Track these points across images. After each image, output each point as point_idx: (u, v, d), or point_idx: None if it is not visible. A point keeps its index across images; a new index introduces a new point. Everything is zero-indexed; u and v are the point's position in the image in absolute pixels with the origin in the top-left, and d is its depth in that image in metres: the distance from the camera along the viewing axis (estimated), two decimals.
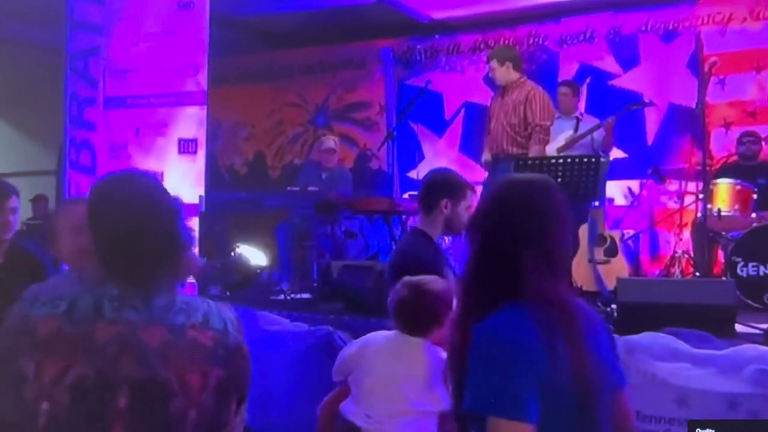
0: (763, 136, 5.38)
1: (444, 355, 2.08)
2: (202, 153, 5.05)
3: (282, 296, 4.57)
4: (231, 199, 5.73)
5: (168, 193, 1.49)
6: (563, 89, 5.60)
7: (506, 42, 6.77)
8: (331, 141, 5.99)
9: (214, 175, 6.81)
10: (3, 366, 1.32)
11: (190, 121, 5.09)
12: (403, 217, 5.38)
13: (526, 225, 1.45)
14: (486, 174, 5.28)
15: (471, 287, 1.49)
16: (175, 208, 1.47)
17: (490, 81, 6.42)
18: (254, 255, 5.30)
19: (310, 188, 5.56)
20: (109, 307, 1.35)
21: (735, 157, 5.35)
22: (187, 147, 5.06)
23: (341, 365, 2.30)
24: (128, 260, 1.39)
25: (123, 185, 1.45)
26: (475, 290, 1.48)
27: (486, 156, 5.10)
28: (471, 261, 1.51)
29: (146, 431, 1.33)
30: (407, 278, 2.28)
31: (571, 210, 1.53)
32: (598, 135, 5.23)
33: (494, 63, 4.97)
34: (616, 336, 2.85)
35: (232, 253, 5.22)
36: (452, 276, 2.80)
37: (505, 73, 4.93)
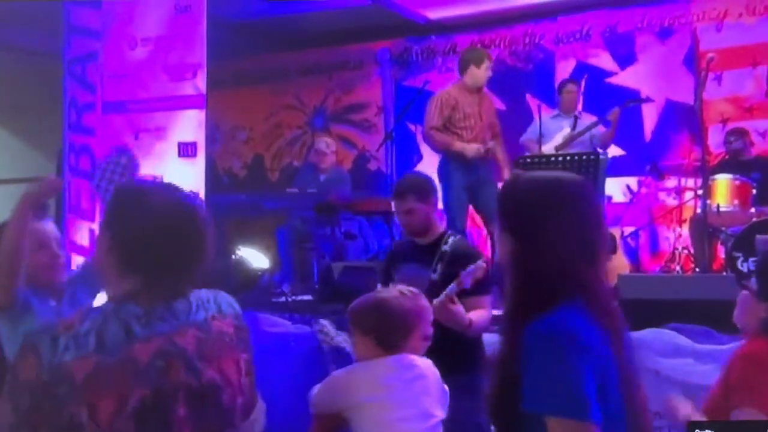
0: (749, 131, 5.40)
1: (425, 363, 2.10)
2: (201, 156, 5.05)
3: (283, 298, 4.58)
4: (231, 202, 5.73)
5: (199, 205, 1.47)
6: (570, 87, 5.59)
7: (502, 42, 6.78)
8: (322, 143, 6.00)
9: (213, 179, 6.80)
10: (51, 420, 1.24)
11: (189, 125, 5.09)
12: None
13: (565, 223, 1.41)
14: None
15: (516, 291, 1.44)
16: (206, 221, 1.44)
17: (489, 82, 6.46)
18: (255, 257, 5.30)
19: (309, 190, 5.57)
20: (137, 325, 1.32)
21: (726, 156, 5.37)
22: (186, 150, 5.07)
23: (324, 401, 2.13)
24: (160, 268, 1.36)
25: (156, 194, 1.43)
26: (521, 294, 1.42)
27: (477, 149, 4.88)
28: (512, 265, 1.45)
29: (209, 430, 1.34)
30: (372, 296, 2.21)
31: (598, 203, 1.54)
32: (598, 130, 5.24)
33: (491, 63, 5.02)
34: None
35: (233, 256, 5.22)
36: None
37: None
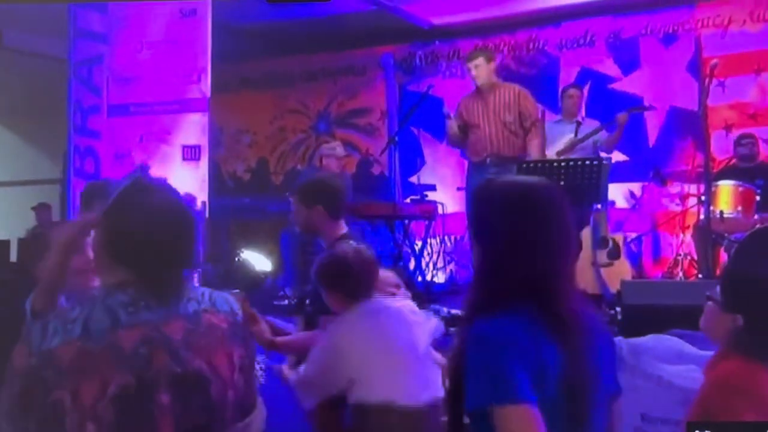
0: (761, 137, 5.40)
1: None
2: (205, 159, 5.07)
3: (286, 301, 4.59)
4: (234, 205, 5.74)
5: (191, 205, 1.53)
6: (572, 91, 5.59)
7: (506, 47, 6.79)
8: (339, 148, 5.99)
9: (217, 182, 6.83)
10: (39, 405, 1.27)
11: (194, 128, 5.12)
12: (406, 222, 5.39)
13: (528, 228, 1.42)
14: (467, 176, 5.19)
15: (477, 293, 1.47)
16: (196, 218, 1.50)
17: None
18: (258, 260, 5.32)
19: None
20: (123, 313, 1.34)
21: (733, 160, 5.37)
22: (190, 153, 5.09)
23: (325, 381, 2.16)
24: (149, 263, 1.40)
25: (148, 190, 1.48)
26: (480, 296, 1.46)
27: (474, 158, 4.96)
28: (477, 268, 1.49)
29: (192, 421, 1.34)
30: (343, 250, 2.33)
31: (572, 210, 1.50)
32: (601, 135, 5.24)
33: (482, 60, 4.87)
34: (621, 338, 2.87)
35: (236, 259, 5.24)
36: None
37: (490, 72, 4.88)
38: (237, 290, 2.72)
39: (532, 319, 1.37)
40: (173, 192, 1.51)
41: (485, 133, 4.86)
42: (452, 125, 5.08)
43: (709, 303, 1.81)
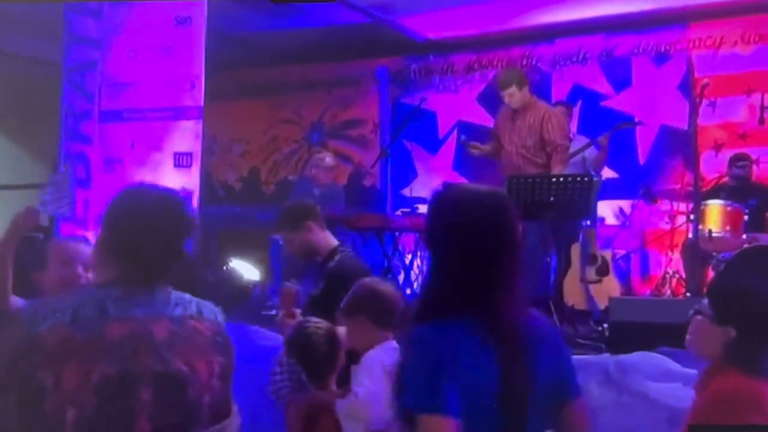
0: (753, 157, 5.44)
1: None
2: (196, 167, 5.06)
3: (274, 311, 4.56)
4: (224, 214, 5.72)
5: (182, 207, 1.57)
6: (559, 109, 5.61)
7: (500, 63, 6.83)
8: (327, 158, 6.01)
9: (208, 190, 6.80)
10: (21, 384, 1.31)
11: (186, 136, 5.11)
12: (396, 234, 5.39)
13: (473, 237, 1.43)
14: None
15: (422, 298, 1.50)
16: (189, 223, 1.54)
17: (483, 100, 6.46)
18: (247, 270, 5.29)
19: None
20: (113, 307, 1.39)
21: (726, 179, 5.40)
22: (182, 161, 5.08)
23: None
24: (143, 259, 1.45)
25: (149, 196, 1.55)
26: (424, 301, 1.49)
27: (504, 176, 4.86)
28: (427, 274, 1.53)
29: (169, 420, 1.39)
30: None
31: (518, 222, 1.49)
32: (590, 153, 5.27)
33: (513, 89, 4.66)
34: (607, 355, 2.88)
35: (225, 268, 5.21)
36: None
37: (523, 96, 4.70)
38: (290, 283, 2.85)
39: (471, 327, 1.39)
40: (163, 191, 1.58)
41: (508, 155, 4.78)
42: (474, 152, 5.07)
43: (697, 317, 1.80)
